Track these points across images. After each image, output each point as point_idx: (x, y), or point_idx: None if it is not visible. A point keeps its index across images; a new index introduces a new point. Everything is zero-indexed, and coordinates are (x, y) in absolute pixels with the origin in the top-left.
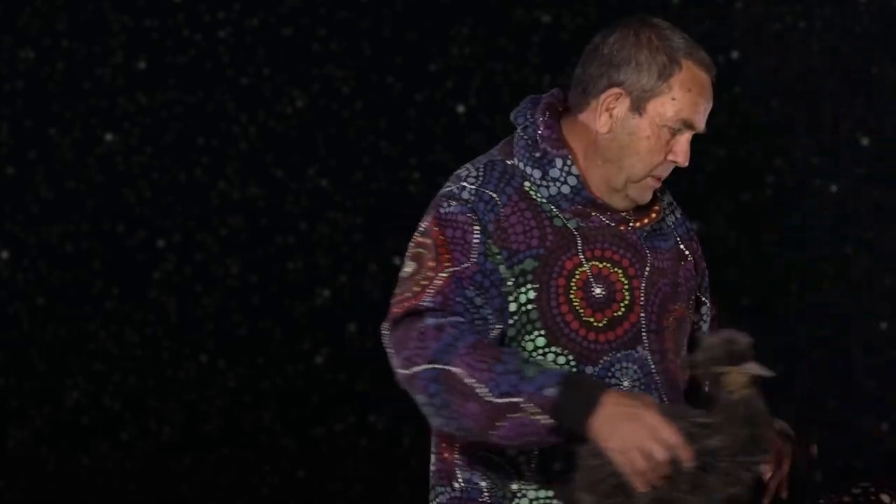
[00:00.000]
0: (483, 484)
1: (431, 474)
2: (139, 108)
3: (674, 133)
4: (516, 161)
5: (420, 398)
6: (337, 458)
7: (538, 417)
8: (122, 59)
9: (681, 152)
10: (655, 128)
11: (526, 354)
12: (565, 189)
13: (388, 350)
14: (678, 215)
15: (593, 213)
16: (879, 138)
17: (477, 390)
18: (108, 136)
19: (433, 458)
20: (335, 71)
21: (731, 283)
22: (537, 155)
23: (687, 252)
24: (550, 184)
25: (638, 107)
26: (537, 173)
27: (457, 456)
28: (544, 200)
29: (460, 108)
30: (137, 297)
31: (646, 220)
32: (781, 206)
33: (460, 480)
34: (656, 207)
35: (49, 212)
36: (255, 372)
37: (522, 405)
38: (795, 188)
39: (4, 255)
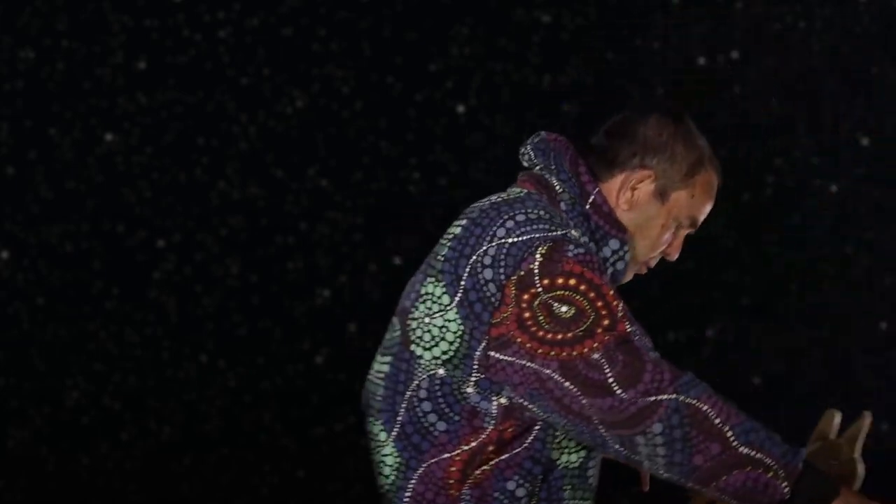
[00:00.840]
0: None
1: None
2: (139, 108)
3: (678, 227)
4: (566, 218)
5: (656, 427)
6: (337, 458)
7: (781, 483)
8: (122, 59)
9: (676, 247)
10: (671, 218)
11: None
12: (617, 268)
13: (607, 376)
14: None
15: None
16: (879, 138)
17: (726, 432)
18: (108, 136)
19: (397, 474)
20: (335, 71)
21: (730, 283)
22: (591, 226)
23: None
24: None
25: (662, 193)
26: (586, 238)
27: (465, 491)
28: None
29: (460, 108)
30: (137, 296)
31: None
32: (781, 206)
33: None
34: None
35: (49, 212)
36: (255, 372)
37: (771, 464)
38: (795, 188)
39: (4, 254)
